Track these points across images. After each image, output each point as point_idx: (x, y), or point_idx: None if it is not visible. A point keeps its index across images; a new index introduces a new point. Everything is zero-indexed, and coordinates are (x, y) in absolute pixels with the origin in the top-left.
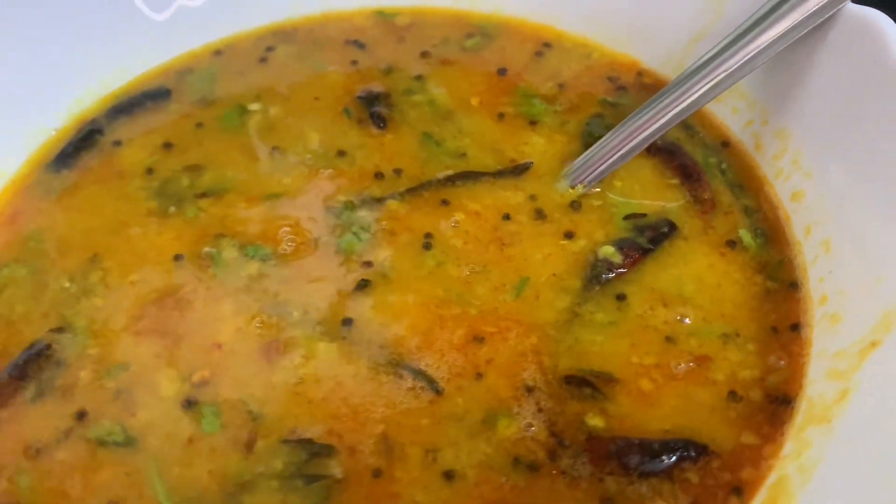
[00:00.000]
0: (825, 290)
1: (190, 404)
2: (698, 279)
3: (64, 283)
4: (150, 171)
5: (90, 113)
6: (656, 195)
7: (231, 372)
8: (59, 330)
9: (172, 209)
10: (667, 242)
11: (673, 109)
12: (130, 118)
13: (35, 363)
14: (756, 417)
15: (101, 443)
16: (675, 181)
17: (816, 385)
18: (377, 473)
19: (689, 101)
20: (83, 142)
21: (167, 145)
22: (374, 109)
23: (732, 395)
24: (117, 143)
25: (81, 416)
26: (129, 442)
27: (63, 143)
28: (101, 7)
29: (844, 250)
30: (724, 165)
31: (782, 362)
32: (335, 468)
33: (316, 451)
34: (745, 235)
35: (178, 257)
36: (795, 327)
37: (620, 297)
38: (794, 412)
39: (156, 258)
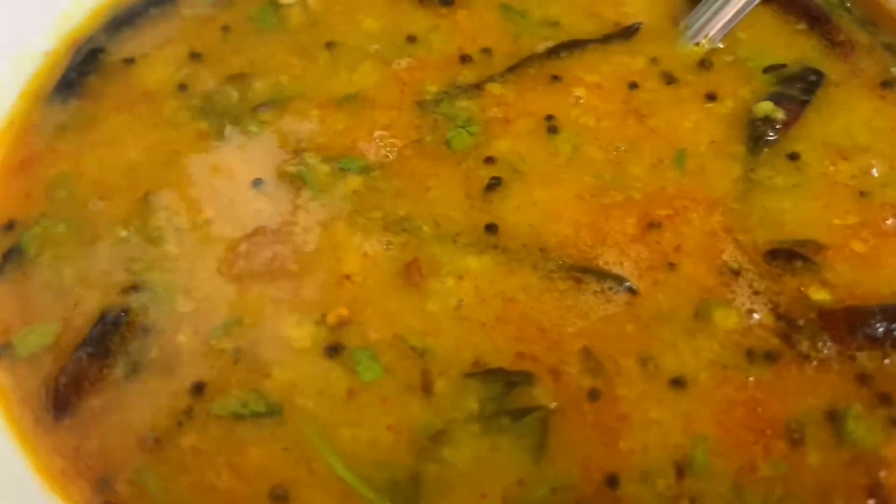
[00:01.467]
0: None
1: (334, 351)
2: (868, 125)
3: (119, 232)
4: (182, 87)
5: (83, 30)
6: (788, 43)
7: (373, 306)
8: (133, 289)
9: (230, 128)
10: (820, 91)
11: None
12: (135, 30)
13: (115, 335)
14: None
15: (238, 417)
16: (802, 26)
17: None
18: (594, 395)
19: None
20: (86, 65)
21: (194, 55)
22: None
23: None
24: (129, 61)
25: (199, 388)
26: (273, 410)
27: (61, 69)
28: None
29: None
30: (847, 4)
31: None
32: (544, 397)
33: (513, 380)
34: None
35: (256, 182)
36: None
37: (793, 157)
38: None
39: (229, 188)
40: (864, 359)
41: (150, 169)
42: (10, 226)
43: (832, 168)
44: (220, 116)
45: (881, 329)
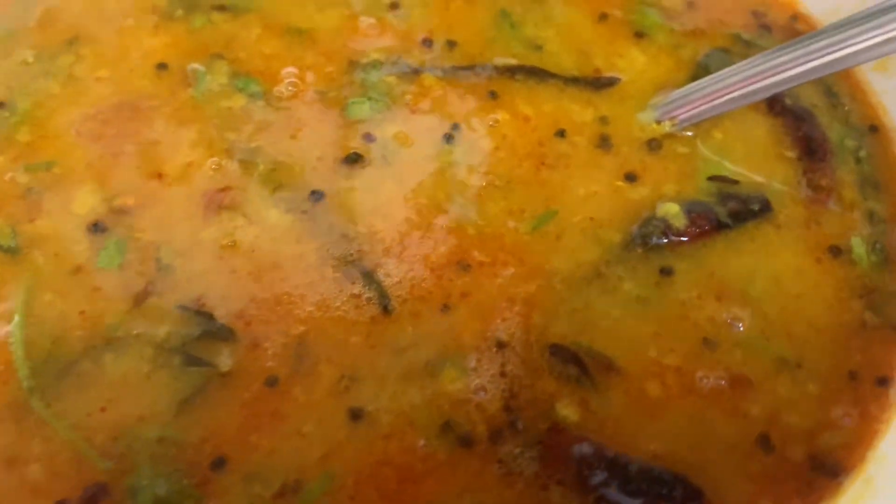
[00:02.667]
0: None
1: (97, 229)
2: (775, 281)
3: (27, 56)
4: None
5: None
6: (761, 163)
7: (159, 209)
8: (1, 105)
9: (180, 13)
10: (752, 223)
11: (817, 59)
12: None
13: None
14: (786, 484)
15: None
16: (792, 154)
17: (885, 464)
18: (272, 382)
19: (840, 53)
20: None
21: None
22: None
23: (763, 442)
24: None
25: None
26: (13, 249)
27: None
28: None
29: None
30: (862, 153)
31: (848, 420)
32: (224, 358)
33: (212, 329)
34: (858, 246)
35: (161, 66)
36: (884, 382)
37: (665, 271)
38: (841, 491)
39: (138, 60)
40: (558, 495)
41: (94, 18)
42: None
43: (697, 301)
44: (182, 2)
45: (598, 478)
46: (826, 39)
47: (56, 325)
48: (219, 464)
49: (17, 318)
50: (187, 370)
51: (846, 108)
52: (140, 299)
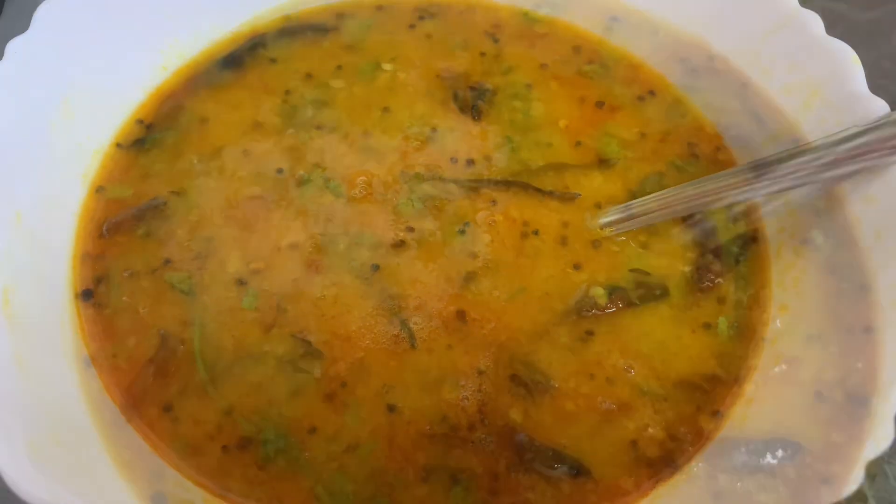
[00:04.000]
0: (750, 393)
1: (241, 283)
2: (661, 344)
3: (193, 159)
4: (287, 93)
5: (263, 28)
6: (669, 261)
7: (278, 271)
8: (177, 193)
9: (291, 131)
10: (653, 304)
11: (725, 196)
12: (291, 42)
13: (151, 212)
14: (642, 469)
15: (172, 286)
16: (693, 255)
17: (704, 463)
18: (343, 384)
19: (742, 193)
20: (248, 51)
21: (308, 76)
22: (476, 102)
23: (633, 444)
24: (273, 61)
25: (167, 262)
26: (190, 292)
27: (234, 46)
28: None
29: (771, 383)
30: (741, 258)
31: (689, 435)
32: (316, 369)
33: (310, 351)
34: (723, 324)
35: (279, 170)
36: (716, 413)
37: (589, 333)
38: (674, 476)
39: (263, 163)
40: (503, 463)
41: (233, 133)
42: (149, 126)
43: (607, 354)
44: (290, 120)
45: (529, 456)
46: (735, 178)
47: (219, 342)
48: (312, 430)
49: (196, 336)
50: (295, 375)
51: (739, 222)
52: (267, 329)
